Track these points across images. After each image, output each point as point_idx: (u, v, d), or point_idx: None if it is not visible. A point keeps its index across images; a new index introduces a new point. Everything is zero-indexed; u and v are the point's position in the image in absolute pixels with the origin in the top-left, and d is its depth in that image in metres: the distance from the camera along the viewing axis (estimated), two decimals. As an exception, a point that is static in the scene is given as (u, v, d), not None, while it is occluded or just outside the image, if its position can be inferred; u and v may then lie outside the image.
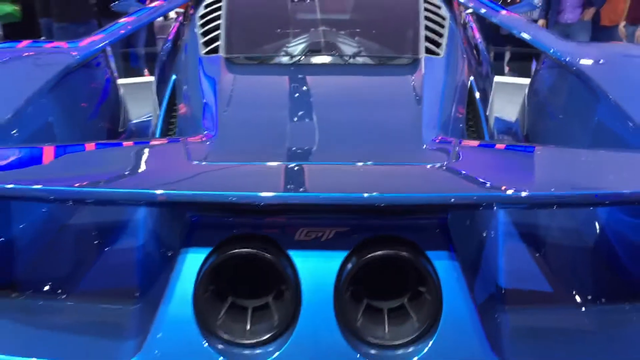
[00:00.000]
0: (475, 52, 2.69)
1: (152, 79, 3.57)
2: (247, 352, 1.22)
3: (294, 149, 1.48)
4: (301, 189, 1.21)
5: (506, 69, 6.91)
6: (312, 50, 2.17)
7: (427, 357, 1.21)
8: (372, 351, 1.23)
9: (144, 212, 1.54)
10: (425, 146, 1.51)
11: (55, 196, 1.18)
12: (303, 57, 2.12)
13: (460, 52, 2.26)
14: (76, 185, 1.18)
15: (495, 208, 1.45)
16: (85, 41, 2.32)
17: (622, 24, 5.30)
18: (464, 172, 1.32)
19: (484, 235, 1.49)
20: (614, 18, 5.61)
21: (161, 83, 2.56)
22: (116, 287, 1.42)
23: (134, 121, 2.95)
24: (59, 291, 1.41)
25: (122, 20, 2.63)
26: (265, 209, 1.22)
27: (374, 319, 1.25)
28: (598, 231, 1.61)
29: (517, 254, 1.55)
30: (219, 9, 2.34)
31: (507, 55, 6.97)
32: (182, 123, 1.88)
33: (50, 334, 1.30)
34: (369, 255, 1.22)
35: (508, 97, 3.61)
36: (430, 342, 1.22)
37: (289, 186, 1.23)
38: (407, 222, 1.28)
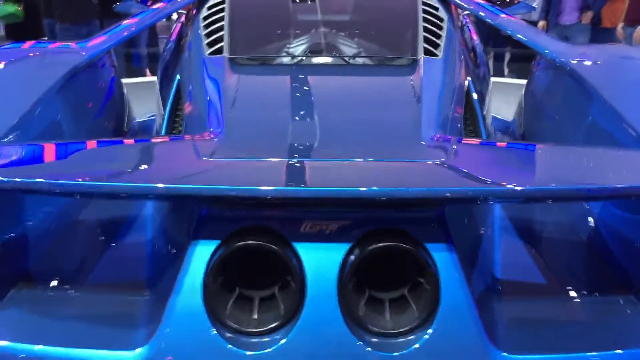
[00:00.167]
0: (472, 53, 2.75)
1: (154, 79, 3.62)
2: (254, 340, 1.27)
3: (298, 146, 1.54)
4: (306, 184, 1.25)
5: (506, 70, 6.96)
6: (314, 50, 2.22)
7: (426, 345, 1.26)
8: (374, 339, 1.28)
9: (154, 206, 1.59)
10: (424, 144, 1.56)
11: (74, 190, 1.23)
12: (305, 57, 2.17)
13: (458, 53, 2.31)
14: (93, 179, 1.23)
15: (491, 202, 1.50)
16: (93, 41, 2.37)
17: (620, 25, 5.32)
18: (461, 168, 1.38)
19: (481, 228, 1.54)
20: (614, 20, 5.62)
21: (165, 83, 2.60)
22: (128, 279, 1.47)
23: (138, 120, 2.99)
24: (73, 283, 1.46)
25: (126, 21, 2.66)
26: (272, 202, 1.27)
27: (376, 309, 1.30)
28: (590, 225, 1.66)
29: (513, 246, 1.61)
30: (221, 10, 2.38)
31: (507, 56, 7.01)
32: (188, 121, 1.92)
33: (65, 324, 1.35)
34: (371, 247, 1.27)
35: (505, 97, 3.66)
36: (430, 331, 1.27)
37: (294, 181, 1.28)
38: (407, 215, 1.33)
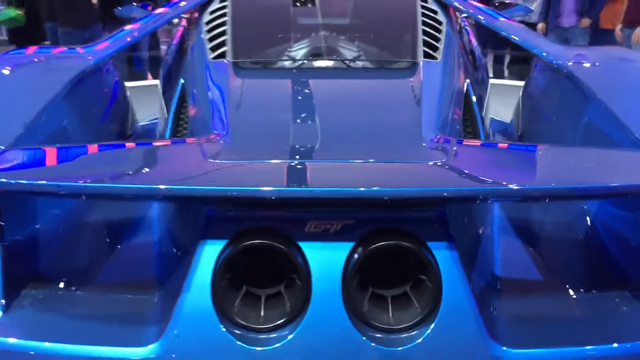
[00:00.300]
0: (471, 55, 2.79)
1: (155, 82, 3.65)
2: (262, 336, 1.31)
3: (302, 147, 1.58)
4: (310, 185, 1.29)
5: (506, 72, 6.99)
6: (316, 54, 2.26)
7: (428, 340, 1.30)
8: (378, 335, 1.32)
9: (163, 207, 1.63)
10: (424, 145, 1.60)
11: (86, 192, 1.27)
12: (307, 61, 2.21)
13: (457, 56, 2.35)
14: (105, 182, 1.27)
15: (490, 201, 1.55)
16: (99, 46, 2.40)
17: (619, 26, 5.34)
18: (461, 168, 1.42)
19: (481, 227, 1.58)
20: (614, 21, 5.63)
21: (168, 87, 2.64)
22: (138, 278, 1.50)
23: (141, 123, 3.03)
24: (84, 282, 1.49)
25: (129, 27, 2.70)
26: (277, 203, 1.31)
27: (379, 306, 1.34)
28: (587, 224, 1.70)
29: (512, 245, 1.65)
30: (223, 15, 2.42)
31: (507, 59, 7.05)
32: (193, 124, 1.96)
33: (76, 322, 1.39)
34: (374, 246, 1.30)
35: (503, 99, 3.70)
36: (431, 326, 1.30)
37: (299, 182, 1.32)
38: (409, 214, 1.37)
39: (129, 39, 2.60)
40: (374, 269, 1.35)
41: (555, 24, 5.74)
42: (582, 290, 1.51)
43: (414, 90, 1.98)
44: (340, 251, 1.32)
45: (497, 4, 4.45)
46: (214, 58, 2.21)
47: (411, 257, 1.33)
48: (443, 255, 1.32)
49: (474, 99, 2.22)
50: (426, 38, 2.28)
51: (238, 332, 1.31)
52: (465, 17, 3.12)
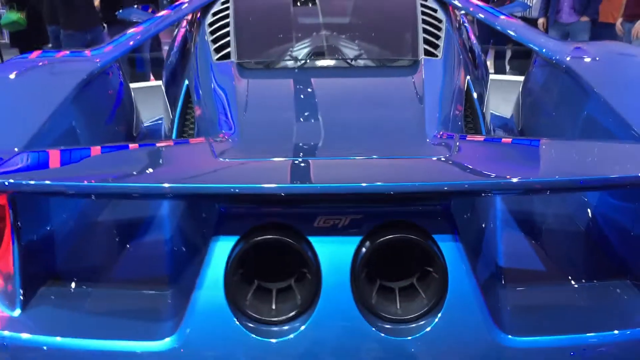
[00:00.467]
0: (470, 52, 2.82)
1: (157, 83, 3.67)
2: (275, 329, 1.35)
3: (310, 145, 1.62)
4: (319, 181, 1.32)
5: (507, 67, 7.03)
6: (319, 53, 2.29)
7: (435, 330, 1.35)
8: (387, 326, 1.36)
9: (176, 205, 1.67)
10: (429, 141, 1.64)
11: (106, 192, 1.31)
12: (311, 60, 2.25)
13: (457, 54, 2.38)
14: (121, 181, 1.31)
15: (494, 194, 1.59)
16: (106, 49, 2.44)
17: (619, 20, 5.34)
18: (465, 163, 1.46)
19: (485, 220, 1.63)
20: (615, 14, 5.63)
21: (172, 88, 2.67)
22: (153, 275, 1.55)
23: (145, 124, 3.06)
24: (100, 279, 1.54)
25: (132, 30, 2.72)
26: (287, 199, 1.35)
27: (387, 297, 1.39)
28: (588, 216, 1.75)
29: (515, 237, 1.69)
30: (226, 17, 2.45)
31: (508, 54, 7.08)
32: (200, 124, 2.00)
33: (94, 317, 1.43)
34: (381, 239, 1.35)
35: (503, 94, 3.74)
36: (438, 317, 1.35)
37: (308, 178, 1.35)
38: (415, 208, 1.41)
39: (131, 43, 2.63)
40: (382, 261, 1.39)
41: (555, 19, 5.76)
42: (583, 279, 1.55)
43: (416, 88, 2.01)
44: (348, 245, 1.37)
45: (495, 0, 4.49)
46: (219, 59, 2.24)
47: (417, 249, 1.37)
48: (448, 248, 1.36)
49: (474, 95, 2.26)
50: (426, 36, 2.31)
51: (251, 325, 1.35)
52: (464, 14, 3.15)
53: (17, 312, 1.42)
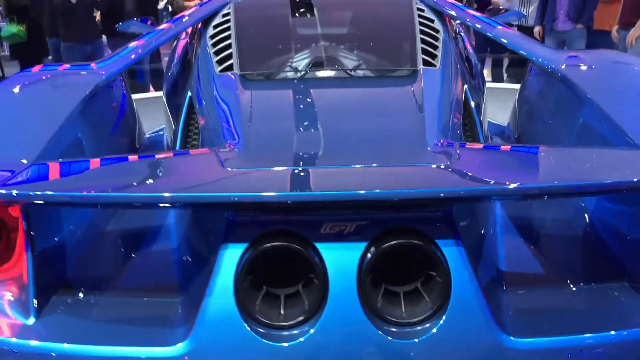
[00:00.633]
0: (467, 61, 2.88)
1: (157, 94, 3.71)
2: (285, 333, 1.39)
3: (315, 154, 1.66)
4: (325, 188, 1.37)
5: (504, 75, 7.10)
6: (321, 64, 2.34)
7: (440, 332, 1.38)
8: (393, 329, 1.40)
9: (186, 214, 1.71)
10: (430, 149, 1.69)
11: (116, 201, 1.35)
12: (313, 71, 2.30)
13: (454, 63, 2.43)
14: (131, 191, 1.35)
15: (495, 200, 1.63)
16: (110, 61, 2.48)
17: (615, 28, 5.40)
18: (465, 170, 1.50)
19: (486, 225, 1.67)
20: (611, 22, 5.64)
21: (174, 99, 2.71)
22: (164, 282, 1.58)
23: (147, 135, 3.10)
24: (112, 287, 1.57)
25: (134, 43, 2.75)
26: (294, 207, 1.39)
27: (392, 301, 1.42)
28: (586, 220, 1.79)
29: (516, 241, 1.74)
30: (227, 29, 2.49)
31: (506, 62, 7.16)
32: (204, 135, 2.04)
33: (106, 325, 1.47)
34: (386, 245, 1.39)
35: (499, 102, 3.80)
36: (443, 319, 1.39)
37: (315, 186, 1.39)
38: (418, 215, 1.45)
39: (133, 57, 2.64)
40: (387, 266, 1.43)
41: (551, 27, 5.82)
42: (583, 282, 1.59)
43: (416, 97, 2.06)
44: (354, 251, 1.40)
45: (490, 9, 4.55)
46: (221, 71, 2.28)
47: (421, 254, 1.41)
48: (451, 252, 1.40)
49: (472, 104, 2.31)
50: (424, 46, 2.35)
51: (262, 330, 1.39)
52: (459, 23, 3.21)
53: (31, 320, 1.46)
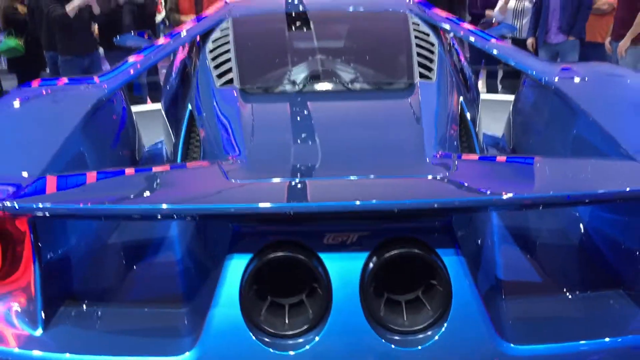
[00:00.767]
0: (461, 74, 2.93)
1: (154, 107, 3.72)
2: (290, 342, 1.42)
3: (317, 166, 1.70)
4: (328, 199, 1.40)
5: (499, 86, 7.16)
6: (321, 78, 2.38)
7: (441, 340, 1.42)
8: (395, 337, 1.43)
9: (193, 225, 1.74)
10: (429, 161, 1.73)
11: (122, 214, 1.38)
12: (314, 85, 2.34)
13: (450, 76, 2.48)
14: (139, 203, 1.38)
15: (493, 210, 1.67)
16: (112, 75, 2.52)
17: (608, 39, 5.47)
18: (465, 181, 1.54)
19: (485, 234, 1.71)
20: (604, 34, 5.73)
21: (173, 112, 2.74)
22: (171, 292, 1.61)
23: (146, 148, 3.12)
24: (118, 299, 1.60)
25: (132, 58, 2.78)
26: (298, 217, 1.42)
27: (394, 310, 1.45)
28: (582, 230, 1.83)
29: (514, 250, 1.78)
30: (226, 43, 2.53)
31: (500, 74, 7.22)
32: (207, 148, 2.06)
33: (112, 335, 1.49)
34: (388, 255, 1.42)
35: (493, 113, 3.84)
36: (444, 327, 1.42)
37: (317, 197, 1.43)
38: (418, 225, 1.48)
39: (132, 72, 2.66)
40: (389, 275, 1.46)
41: (544, 39, 5.88)
42: (579, 290, 1.63)
43: (414, 110, 2.10)
44: (357, 260, 1.44)
45: (482, 22, 4.61)
46: (222, 85, 2.31)
47: (422, 263, 1.44)
48: (451, 261, 1.44)
49: (468, 115, 2.35)
50: (420, 59, 2.40)
51: (267, 339, 1.42)
52: (452, 36, 3.26)
53: (39, 331, 1.48)
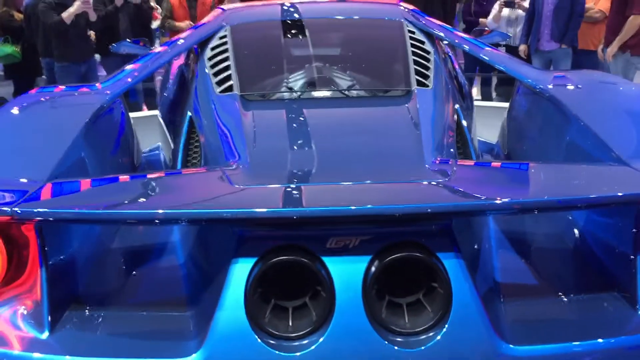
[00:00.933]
0: (456, 81, 2.98)
1: (150, 113, 3.73)
2: (295, 343, 1.44)
3: (318, 172, 1.73)
4: (330, 204, 1.43)
5: (493, 94, 7.22)
6: (320, 85, 2.42)
7: (442, 341, 1.45)
8: (397, 339, 1.46)
9: (196, 229, 1.76)
10: (428, 166, 1.76)
11: (127, 219, 1.41)
12: (312, 92, 2.37)
13: (445, 83, 2.52)
14: (145, 208, 1.41)
15: (491, 214, 1.71)
16: (112, 82, 2.54)
17: (600, 47, 5.54)
18: (463, 186, 1.58)
19: (484, 237, 1.75)
20: (596, 42, 5.79)
21: (172, 119, 2.76)
22: (176, 295, 1.63)
23: (143, 154, 3.14)
24: (124, 302, 1.62)
25: (130, 67, 2.79)
26: (301, 222, 1.45)
27: (396, 312, 1.49)
28: (578, 234, 1.88)
29: (513, 254, 1.82)
30: (225, 51, 2.55)
31: (494, 81, 7.28)
32: (208, 154, 2.09)
33: (118, 338, 1.51)
34: (389, 258, 1.45)
35: (488, 120, 3.89)
36: (444, 328, 1.45)
37: (321, 202, 1.46)
38: (419, 229, 1.52)
39: (129, 80, 2.67)
40: (390, 278, 1.49)
41: (536, 47, 5.94)
42: (576, 292, 1.67)
43: (412, 116, 2.14)
44: (359, 264, 1.47)
45: (475, 30, 4.66)
46: (221, 92, 2.33)
47: (423, 266, 1.47)
48: (451, 264, 1.47)
49: (464, 122, 2.39)
50: (417, 67, 2.44)
51: (272, 341, 1.44)
52: (447, 44, 3.31)
53: (45, 334, 1.49)
